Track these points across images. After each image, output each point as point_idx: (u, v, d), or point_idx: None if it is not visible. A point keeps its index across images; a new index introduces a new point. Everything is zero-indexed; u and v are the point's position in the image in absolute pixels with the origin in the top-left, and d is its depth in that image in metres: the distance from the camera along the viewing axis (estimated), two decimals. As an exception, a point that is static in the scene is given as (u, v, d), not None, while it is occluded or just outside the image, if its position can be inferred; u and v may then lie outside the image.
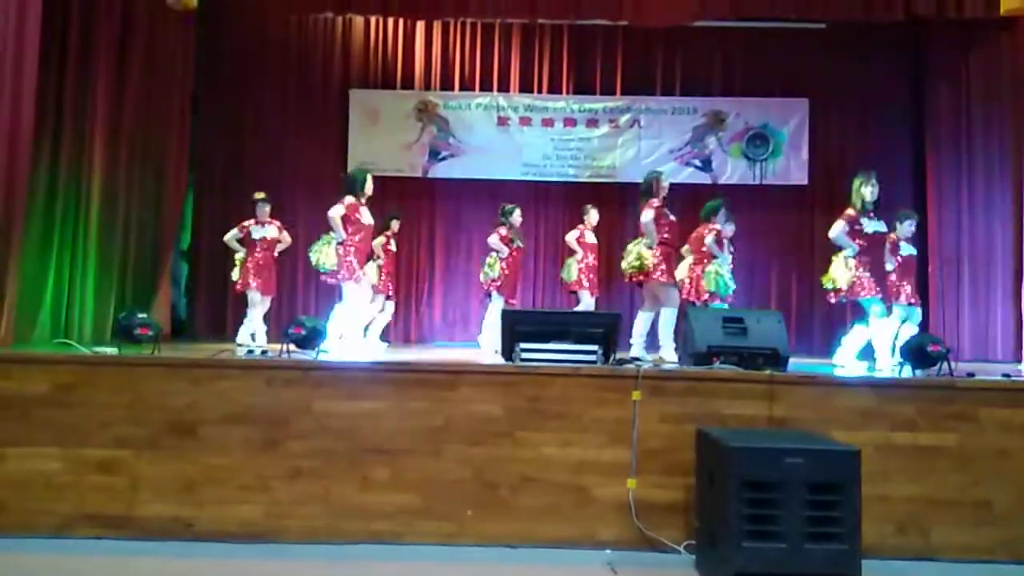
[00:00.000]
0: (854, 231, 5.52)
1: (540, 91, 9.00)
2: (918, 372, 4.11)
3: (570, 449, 3.67)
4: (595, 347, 3.96)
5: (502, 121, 8.90)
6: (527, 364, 3.87)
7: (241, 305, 8.52)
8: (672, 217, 6.01)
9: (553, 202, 8.94)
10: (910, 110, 8.77)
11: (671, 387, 3.72)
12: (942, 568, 3.51)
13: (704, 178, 8.84)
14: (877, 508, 3.46)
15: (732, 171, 8.86)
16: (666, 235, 5.89)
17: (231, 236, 6.96)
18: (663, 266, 5.83)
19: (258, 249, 6.86)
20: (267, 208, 6.93)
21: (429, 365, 3.98)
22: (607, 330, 4.10)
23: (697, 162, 8.88)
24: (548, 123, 8.89)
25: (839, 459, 3.11)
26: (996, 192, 7.80)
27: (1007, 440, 3.65)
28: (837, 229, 5.56)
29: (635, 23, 7.77)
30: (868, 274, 5.48)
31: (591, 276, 7.20)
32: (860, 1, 7.02)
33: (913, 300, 6.29)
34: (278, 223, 7.00)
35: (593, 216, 7.38)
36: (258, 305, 6.87)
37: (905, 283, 6.19)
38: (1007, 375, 4.28)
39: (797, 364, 4.71)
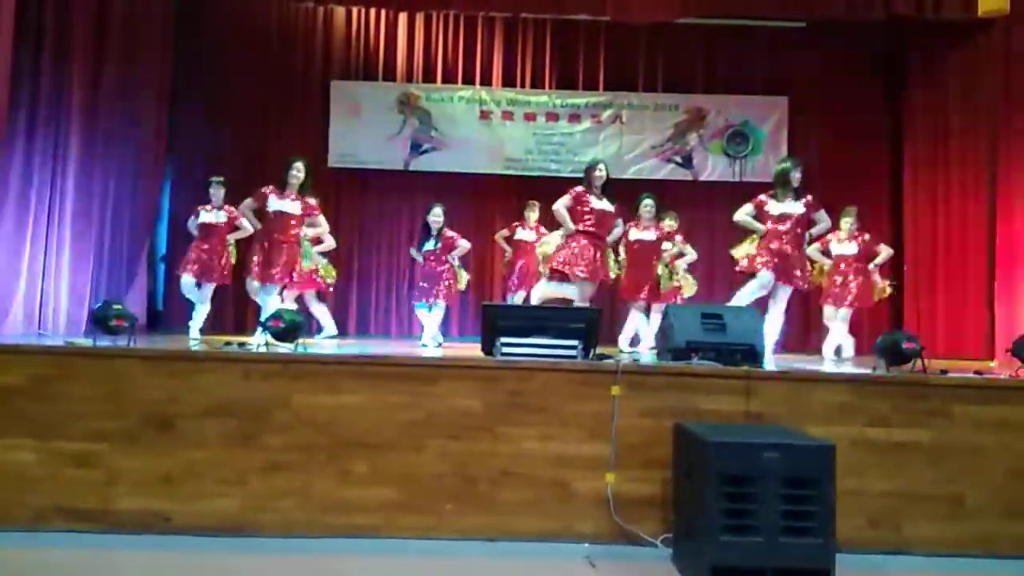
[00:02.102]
0: (762, 213, 5.70)
1: (523, 85, 8.99)
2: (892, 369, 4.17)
3: (550, 443, 3.68)
4: (575, 342, 3.98)
5: (484, 115, 8.88)
6: (507, 359, 3.88)
7: (216, 296, 8.49)
8: (598, 206, 5.87)
9: (534, 197, 8.91)
10: (888, 109, 8.87)
11: (650, 382, 3.74)
12: (915, 562, 3.56)
13: (685, 175, 8.89)
14: (852, 502, 3.50)
15: (712, 168, 8.92)
16: (590, 227, 5.83)
17: (191, 224, 6.83)
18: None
19: (203, 234, 6.68)
20: (220, 192, 6.72)
21: (409, 359, 3.98)
22: (588, 325, 4.11)
23: (678, 159, 8.93)
24: (530, 117, 8.89)
25: (814, 454, 3.14)
26: (971, 191, 7.90)
27: (979, 436, 3.71)
28: (740, 211, 5.77)
29: (618, 19, 7.79)
30: (767, 255, 5.59)
31: (519, 272, 7.23)
32: (841, 0, 7.09)
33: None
34: (230, 208, 6.70)
35: (533, 215, 7.42)
36: (191, 292, 6.72)
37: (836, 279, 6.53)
38: (979, 372, 4.35)
39: (773, 360, 4.76)
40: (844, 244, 6.69)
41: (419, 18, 8.95)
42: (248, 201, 5.96)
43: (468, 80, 8.97)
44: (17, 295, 5.84)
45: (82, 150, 6.50)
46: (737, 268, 5.80)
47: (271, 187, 5.84)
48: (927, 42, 8.27)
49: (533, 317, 4.28)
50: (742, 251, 5.81)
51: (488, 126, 8.87)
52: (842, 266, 6.68)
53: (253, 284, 6.10)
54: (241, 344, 4.26)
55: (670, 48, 8.95)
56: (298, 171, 5.85)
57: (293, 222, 5.83)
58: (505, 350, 3.94)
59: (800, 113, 8.92)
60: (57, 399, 3.62)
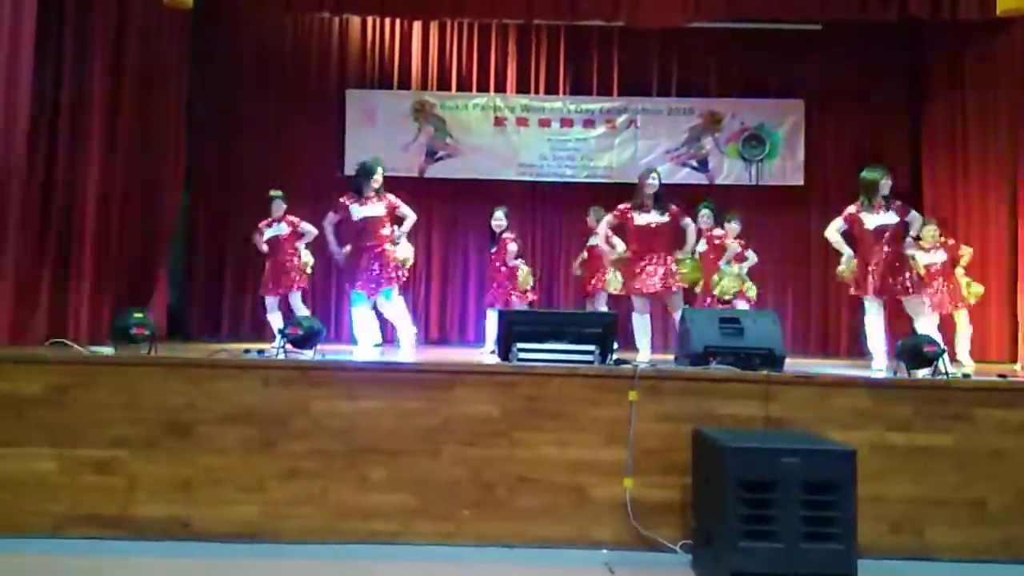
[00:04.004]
0: (857, 227, 5.48)
1: (537, 92, 8.99)
2: (914, 372, 4.13)
3: (567, 449, 3.67)
4: (592, 347, 3.97)
5: (499, 121, 8.89)
6: (524, 364, 3.87)
7: (235, 303, 8.56)
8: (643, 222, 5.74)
9: (550, 203, 8.95)
10: (906, 111, 8.80)
11: (668, 387, 3.73)
12: (937, 567, 3.52)
13: (700, 178, 8.85)
14: (873, 508, 3.46)
15: (728, 172, 8.87)
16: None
17: (258, 240, 6.89)
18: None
19: (270, 249, 6.83)
20: (281, 205, 6.82)
21: (426, 365, 3.98)
22: (604, 330, 4.10)
23: (693, 163, 8.89)
24: (545, 123, 8.89)
25: (835, 459, 3.12)
26: (992, 193, 7.82)
27: (1002, 440, 3.67)
28: (831, 228, 5.58)
29: (631, 24, 7.78)
30: (866, 268, 5.40)
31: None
32: (856, 1, 7.04)
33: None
34: (292, 218, 6.86)
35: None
36: (275, 309, 6.83)
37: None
38: (1003, 375, 4.30)
39: (793, 364, 4.72)
40: (931, 253, 6.64)
41: (433, 26, 8.98)
42: (330, 216, 5.97)
43: (482, 87, 8.99)
44: (39, 305, 5.90)
45: (101, 161, 6.56)
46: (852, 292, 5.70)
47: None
48: (944, 42, 8.20)
49: (549, 323, 4.27)
50: (847, 272, 5.67)
51: (502, 132, 8.88)
52: (933, 273, 6.61)
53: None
54: (260, 351, 4.29)
55: (684, 52, 8.92)
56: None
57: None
58: (522, 356, 3.94)
59: (816, 115, 8.87)
60: (77, 407, 3.65)
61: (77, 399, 3.66)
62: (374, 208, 5.81)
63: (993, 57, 7.76)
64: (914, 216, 5.67)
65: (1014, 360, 7.12)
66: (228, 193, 8.60)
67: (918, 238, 6.20)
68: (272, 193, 6.89)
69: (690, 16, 7.29)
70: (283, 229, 6.82)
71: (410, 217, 5.97)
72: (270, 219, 6.86)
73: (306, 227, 6.82)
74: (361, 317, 5.86)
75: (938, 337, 5.24)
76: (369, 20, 8.91)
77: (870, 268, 5.45)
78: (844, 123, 8.89)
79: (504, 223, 6.83)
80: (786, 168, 8.84)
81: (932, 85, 8.48)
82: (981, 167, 7.93)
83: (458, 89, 9.00)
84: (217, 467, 3.63)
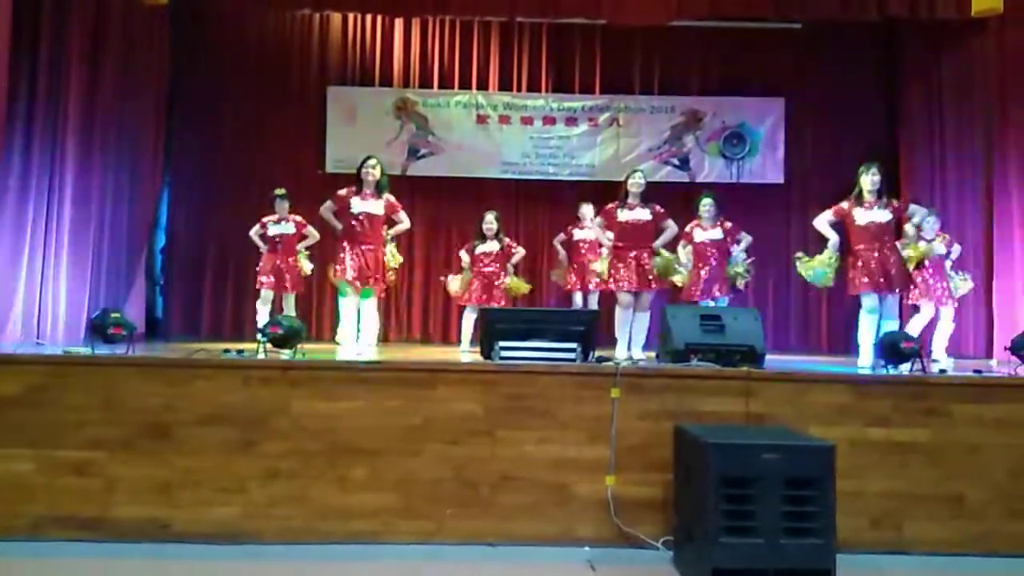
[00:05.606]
0: (844, 221, 5.38)
1: (519, 89, 8.99)
2: (891, 368, 4.18)
3: (549, 447, 3.68)
4: (574, 345, 3.97)
5: (481, 119, 8.88)
6: (506, 362, 3.87)
7: (216, 302, 8.49)
8: (627, 219, 5.80)
9: (532, 200, 8.95)
10: (884, 110, 8.88)
11: (649, 384, 3.74)
12: (915, 561, 3.56)
13: (682, 176, 8.89)
14: (852, 503, 3.50)
15: (709, 170, 8.92)
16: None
17: (254, 232, 6.95)
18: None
19: (272, 246, 6.87)
20: (285, 204, 6.87)
21: (408, 364, 3.97)
22: (586, 328, 4.11)
23: (675, 161, 8.93)
24: (527, 121, 8.89)
25: (815, 454, 3.14)
26: (968, 191, 7.91)
27: (978, 435, 3.71)
28: (820, 217, 5.44)
29: (613, 22, 7.80)
30: (860, 266, 5.28)
31: (581, 274, 7.19)
32: (837, 1, 7.10)
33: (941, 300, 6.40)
34: (298, 219, 6.93)
35: (585, 212, 7.24)
36: (267, 303, 6.83)
37: (934, 282, 6.36)
38: (978, 371, 4.35)
39: (773, 361, 4.75)
40: (931, 244, 6.52)
41: (415, 23, 8.95)
42: (328, 204, 5.71)
43: (464, 85, 8.97)
44: (15, 305, 5.83)
45: (79, 159, 6.49)
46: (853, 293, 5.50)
47: (349, 189, 5.64)
48: (922, 42, 8.29)
49: (531, 320, 4.27)
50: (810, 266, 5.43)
51: (485, 130, 8.87)
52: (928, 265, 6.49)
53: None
54: (240, 351, 4.25)
55: (666, 50, 8.95)
56: (374, 167, 5.59)
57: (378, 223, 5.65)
58: (504, 354, 3.94)
59: (797, 114, 8.93)
60: (55, 408, 3.61)
61: (55, 400, 3.62)
62: (374, 205, 5.63)
63: (969, 56, 7.86)
64: (915, 208, 5.66)
65: (989, 356, 7.21)
66: (208, 190, 8.53)
67: (919, 228, 6.28)
68: (277, 192, 6.96)
69: (672, 15, 7.31)
70: (289, 228, 6.88)
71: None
72: (276, 216, 6.91)
73: (311, 230, 6.90)
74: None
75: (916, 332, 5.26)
76: (350, 17, 8.87)
77: (870, 265, 5.28)
78: (824, 121, 8.95)
79: (496, 226, 6.87)
80: (766, 166, 8.90)
81: (910, 84, 8.56)
82: (958, 164, 8.02)
83: (440, 86, 8.97)
84: (196, 468, 3.60)
